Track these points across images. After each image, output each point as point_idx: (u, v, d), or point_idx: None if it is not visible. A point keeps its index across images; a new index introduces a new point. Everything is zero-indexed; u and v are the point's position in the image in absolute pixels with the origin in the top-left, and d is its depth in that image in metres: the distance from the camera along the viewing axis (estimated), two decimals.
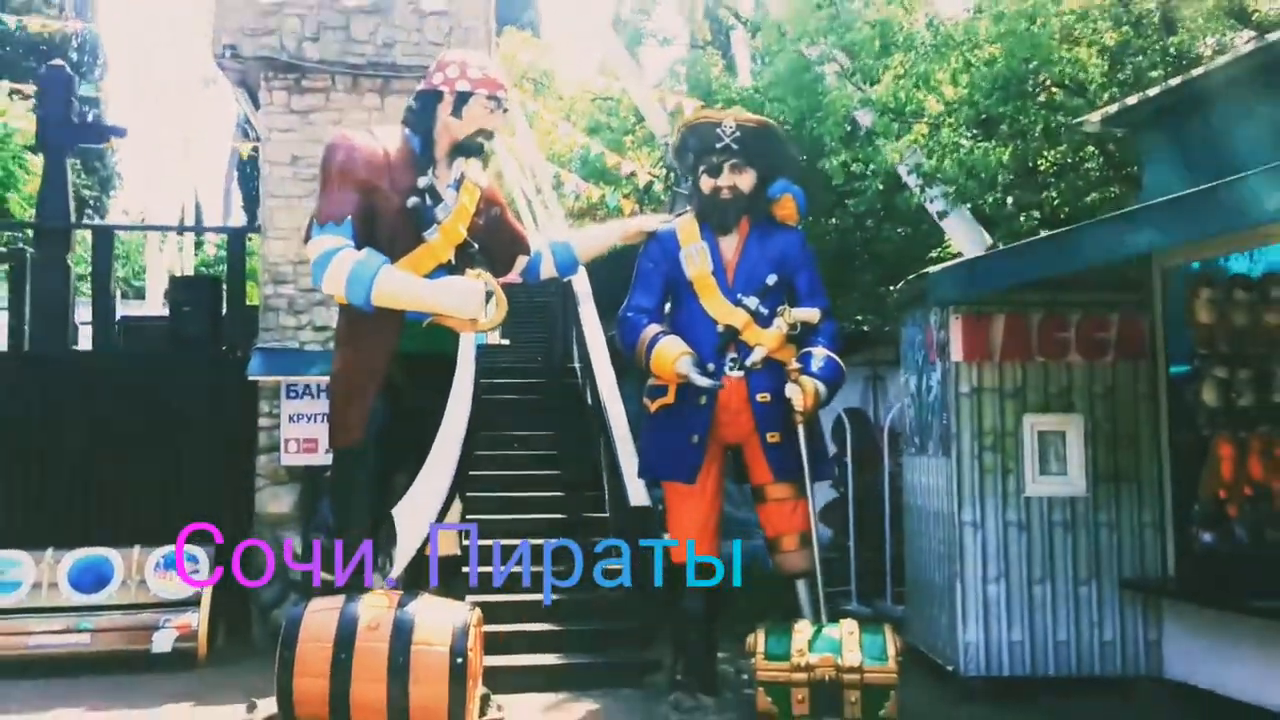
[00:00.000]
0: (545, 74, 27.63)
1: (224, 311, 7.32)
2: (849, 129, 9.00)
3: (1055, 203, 10.42)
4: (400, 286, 3.92)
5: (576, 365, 8.44)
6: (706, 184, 4.69)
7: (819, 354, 4.51)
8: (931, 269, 4.95)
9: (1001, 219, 10.13)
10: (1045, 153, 9.45)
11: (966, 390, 4.93)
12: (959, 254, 9.86)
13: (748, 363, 4.49)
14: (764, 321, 4.54)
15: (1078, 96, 7.46)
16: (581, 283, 7.89)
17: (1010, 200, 10.16)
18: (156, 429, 6.78)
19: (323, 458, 6.22)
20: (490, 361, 8.91)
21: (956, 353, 4.93)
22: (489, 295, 4.03)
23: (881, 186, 9.46)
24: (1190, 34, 6.24)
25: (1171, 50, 6.31)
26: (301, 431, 6.60)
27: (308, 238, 4.02)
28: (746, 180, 4.67)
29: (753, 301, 4.56)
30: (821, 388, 4.40)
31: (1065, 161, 9.60)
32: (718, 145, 4.64)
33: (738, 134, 4.63)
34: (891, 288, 7.74)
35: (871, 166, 9.26)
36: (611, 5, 24.75)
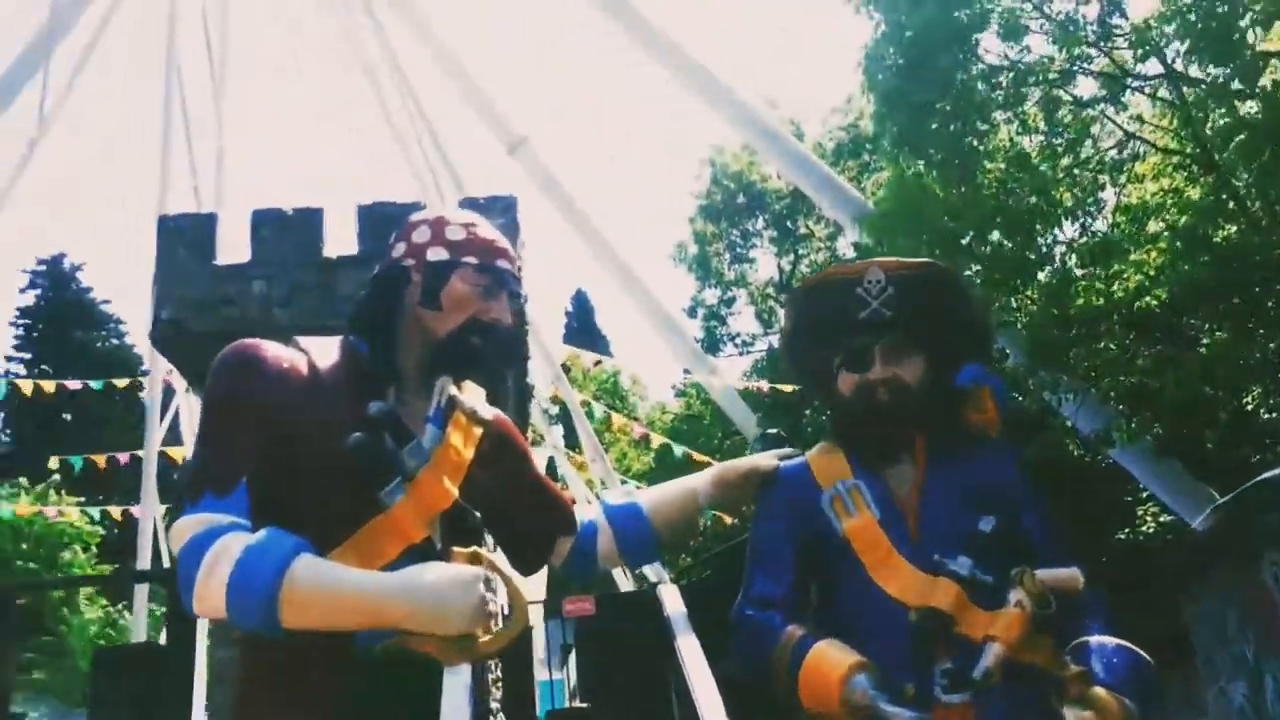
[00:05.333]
0: (618, 396, 27.40)
1: None
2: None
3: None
4: (330, 585, 2.39)
5: None
6: (847, 383, 3.16)
7: (1103, 645, 2.78)
8: (1267, 474, 3.25)
9: (1224, 468, 8.38)
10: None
11: None
12: (1172, 520, 8.07)
13: (976, 674, 2.72)
14: (987, 598, 2.84)
15: None
16: (673, 599, 6.18)
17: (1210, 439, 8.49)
18: None
19: None
20: None
21: None
22: (489, 588, 2.45)
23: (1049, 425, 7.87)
24: None
25: None
26: None
27: (173, 520, 2.56)
28: (913, 369, 3.13)
29: (964, 564, 2.88)
30: (1131, 707, 2.61)
31: None
32: (860, 315, 3.14)
33: (890, 292, 3.15)
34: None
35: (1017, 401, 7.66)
36: (681, 316, 24.86)
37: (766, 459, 3.40)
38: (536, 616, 8.04)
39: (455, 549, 2.53)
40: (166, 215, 5.87)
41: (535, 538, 3.10)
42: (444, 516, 2.65)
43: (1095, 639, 2.81)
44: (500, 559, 2.75)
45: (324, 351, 2.79)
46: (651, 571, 11.93)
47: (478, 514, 2.71)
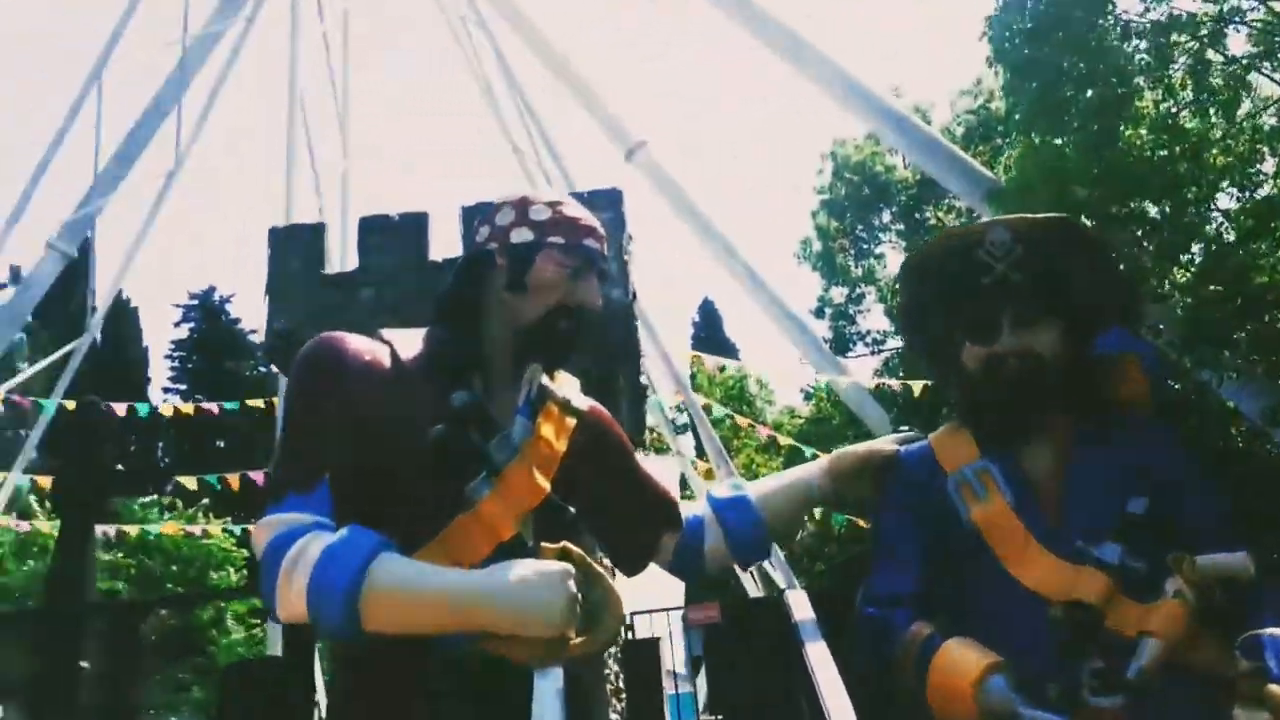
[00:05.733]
0: (745, 401, 27.04)
1: None
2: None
3: None
4: (411, 585, 2.27)
5: None
6: (973, 356, 2.90)
7: (1277, 638, 2.46)
8: None
9: None
10: None
11: None
12: None
13: (1131, 674, 2.45)
14: (1140, 589, 2.57)
15: None
16: (801, 605, 5.94)
17: None
18: None
19: None
20: None
21: None
22: (580, 585, 2.30)
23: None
24: None
25: None
26: None
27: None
28: (1046, 337, 2.85)
29: (1112, 552, 2.61)
30: None
31: None
32: (985, 279, 2.88)
33: (1017, 253, 2.88)
34: None
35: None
36: (808, 317, 24.51)
37: (885, 443, 3.18)
38: (663, 627, 7.88)
39: (544, 544, 2.39)
40: (277, 227, 5.99)
41: (637, 534, 2.94)
42: (536, 512, 2.52)
43: (1269, 631, 2.49)
44: (597, 556, 2.61)
45: (407, 343, 2.70)
46: (780, 577, 11.67)
47: (572, 509, 2.56)
